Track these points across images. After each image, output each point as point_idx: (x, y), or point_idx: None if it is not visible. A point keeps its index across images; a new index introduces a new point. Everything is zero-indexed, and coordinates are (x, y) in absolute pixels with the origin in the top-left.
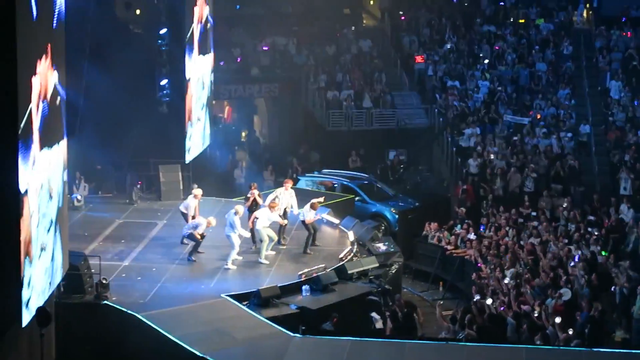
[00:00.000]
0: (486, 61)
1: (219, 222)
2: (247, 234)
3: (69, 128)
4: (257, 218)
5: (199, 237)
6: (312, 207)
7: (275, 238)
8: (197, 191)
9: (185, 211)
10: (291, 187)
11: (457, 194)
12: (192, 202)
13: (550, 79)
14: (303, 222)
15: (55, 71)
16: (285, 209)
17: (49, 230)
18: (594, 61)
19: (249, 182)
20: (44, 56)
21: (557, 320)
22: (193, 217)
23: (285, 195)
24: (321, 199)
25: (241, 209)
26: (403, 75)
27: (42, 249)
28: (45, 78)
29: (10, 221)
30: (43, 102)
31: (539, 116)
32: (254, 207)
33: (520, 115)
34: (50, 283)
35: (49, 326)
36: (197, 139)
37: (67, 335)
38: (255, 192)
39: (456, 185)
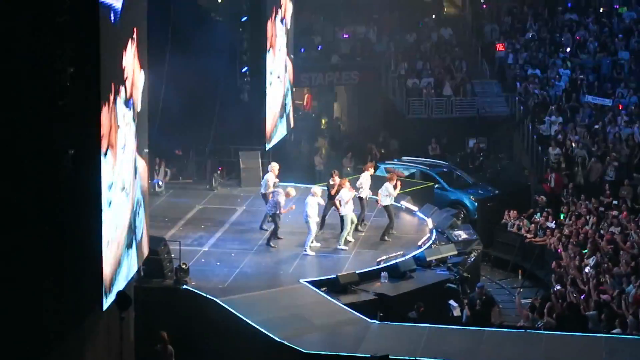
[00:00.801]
0: (568, 50)
1: (296, 209)
2: (317, 218)
3: (150, 114)
4: (343, 200)
5: (280, 215)
6: (390, 179)
7: (355, 222)
8: (274, 165)
9: (264, 191)
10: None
11: (544, 182)
12: (270, 177)
13: (633, 67)
14: (385, 207)
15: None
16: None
17: (132, 216)
18: None
19: (328, 169)
20: (129, 40)
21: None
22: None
23: (368, 179)
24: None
25: (318, 189)
26: (483, 64)
27: (124, 234)
28: (131, 63)
29: (93, 210)
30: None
31: (620, 107)
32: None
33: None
34: (130, 267)
35: (128, 310)
36: (278, 126)
37: (146, 320)
38: (337, 179)
39: (545, 173)
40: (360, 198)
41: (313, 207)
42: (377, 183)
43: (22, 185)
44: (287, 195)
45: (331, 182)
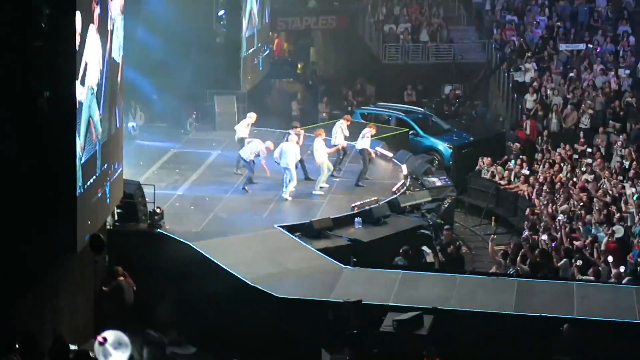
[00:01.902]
0: None
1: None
2: (295, 180)
3: (125, 57)
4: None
5: (253, 165)
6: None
7: (331, 169)
8: (252, 115)
9: (241, 135)
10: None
11: (519, 129)
12: (246, 123)
13: (610, 15)
14: (361, 150)
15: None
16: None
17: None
18: None
19: (304, 114)
20: None
21: (610, 259)
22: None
23: (344, 129)
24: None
25: (294, 137)
26: (461, 9)
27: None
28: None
29: (67, 152)
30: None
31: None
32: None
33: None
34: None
35: (102, 253)
36: (254, 70)
37: (119, 263)
38: (300, 130)
39: (520, 120)
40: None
41: (291, 153)
42: (353, 130)
43: None
44: (268, 149)
45: (295, 134)
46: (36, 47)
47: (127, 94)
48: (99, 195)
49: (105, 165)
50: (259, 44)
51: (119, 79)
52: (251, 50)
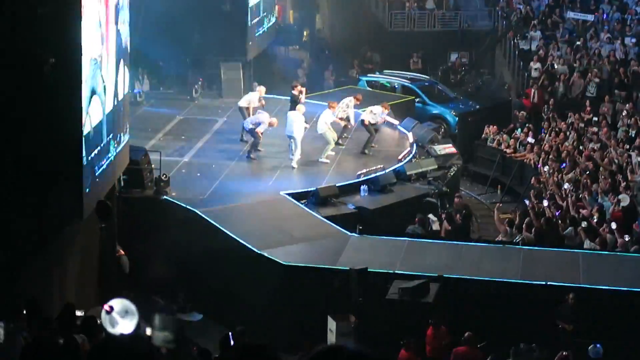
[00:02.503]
0: None
1: (280, 123)
2: (301, 133)
3: (131, 25)
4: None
5: (259, 134)
6: (384, 107)
7: (336, 138)
8: (261, 87)
9: (246, 105)
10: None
11: (525, 97)
12: (254, 96)
13: None
14: (363, 122)
15: None
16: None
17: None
18: None
19: (310, 82)
20: None
21: (614, 225)
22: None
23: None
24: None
25: (303, 108)
26: None
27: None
28: None
29: (73, 119)
30: None
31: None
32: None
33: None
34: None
35: (109, 219)
36: (259, 37)
37: (126, 229)
38: (300, 87)
39: (527, 88)
40: (341, 118)
41: (298, 122)
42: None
43: (2, 94)
44: (271, 124)
45: (295, 92)
46: (42, 13)
47: (133, 60)
48: (104, 166)
49: (111, 135)
50: (264, 13)
51: (123, 46)
52: (256, 20)
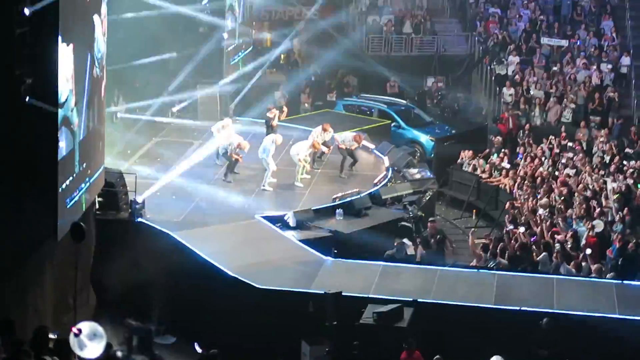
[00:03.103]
0: None
1: (252, 146)
2: (274, 167)
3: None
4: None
5: (233, 157)
6: (356, 140)
7: (308, 161)
8: (228, 120)
9: (216, 132)
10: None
11: (500, 122)
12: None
13: (593, 9)
14: (337, 145)
15: None
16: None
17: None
18: None
19: (287, 104)
20: None
21: (588, 251)
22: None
23: (324, 136)
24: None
25: (280, 139)
26: (444, 1)
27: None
28: None
29: (47, 134)
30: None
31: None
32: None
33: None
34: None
35: (83, 241)
36: (237, 60)
37: (100, 252)
38: (275, 111)
39: (502, 113)
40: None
41: (270, 149)
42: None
43: None
44: (239, 146)
45: (270, 115)
46: (20, 34)
47: (109, 81)
48: (75, 198)
49: (84, 165)
50: (240, 40)
51: (96, 73)
52: (232, 47)
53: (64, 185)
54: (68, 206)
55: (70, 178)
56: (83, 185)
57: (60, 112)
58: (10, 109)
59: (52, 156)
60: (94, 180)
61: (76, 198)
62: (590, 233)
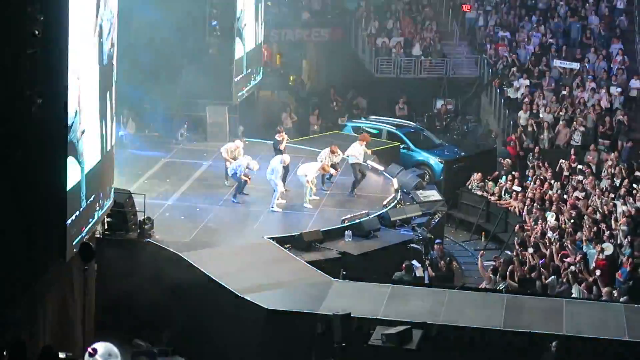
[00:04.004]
0: (538, 13)
1: (261, 166)
2: (283, 189)
3: (117, 66)
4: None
5: (243, 178)
6: (362, 139)
7: (314, 182)
8: (238, 143)
9: (225, 153)
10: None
11: (509, 145)
12: (230, 146)
13: (602, 32)
14: (352, 165)
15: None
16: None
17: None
18: None
19: (296, 126)
20: None
21: (598, 272)
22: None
23: (332, 158)
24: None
25: (287, 159)
26: (454, 25)
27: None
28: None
29: (58, 159)
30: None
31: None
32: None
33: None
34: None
35: (92, 262)
36: (246, 81)
37: (109, 272)
38: (284, 135)
39: (509, 137)
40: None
41: (278, 169)
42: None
43: None
44: (249, 167)
45: (278, 138)
46: (30, 54)
47: (119, 102)
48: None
49: (93, 197)
50: (249, 70)
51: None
52: (244, 60)
53: (73, 217)
54: (74, 242)
55: (76, 214)
56: (91, 219)
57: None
58: (18, 128)
59: (60, 181)
60: (104, 210)
61: (84, 233)
62: (600, 256)
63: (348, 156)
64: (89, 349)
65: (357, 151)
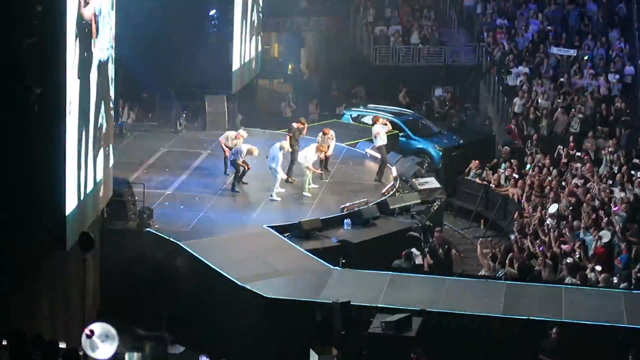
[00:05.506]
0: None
1: (261, 153)
2: (284, 176)
3: (116, 55)
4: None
5: (242, 165)
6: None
7: (312, 170)
8: (242, 132)
9: (224, 141)
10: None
11: (508, 132)
12: (231, 134)
13: (601, 19)
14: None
15: None
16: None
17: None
18: None
19: (295, 115)
20: None
21: (598, 268)
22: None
23: (325, 139)
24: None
25: (286, 144)
26: (452, 13)
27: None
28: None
29: (57, 149)
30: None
31: (585, 58)
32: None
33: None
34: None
35: (91, 251)
36: (245, 70)
37: (109, 261)
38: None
39: (507, 124)
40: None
41: (279, 157)
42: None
43: None
44: (250, 152)
45: (297, 127)
46: (29, 44)
47: (117, 92)
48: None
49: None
50: (251, 44)
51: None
52: (243, 50)
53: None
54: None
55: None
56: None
57: None
58: (18, 118)
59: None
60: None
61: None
62: (598, 244)
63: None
64: (86, 330)
65: (380, 130)
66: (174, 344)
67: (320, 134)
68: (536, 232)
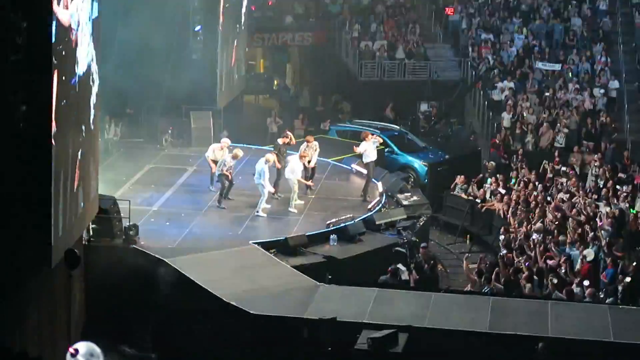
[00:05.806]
0: (520, 14)
1: (246, 172)
2: (272, 189)
3: (101, 72)
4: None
5: (227, 174)
6: (365, 137)
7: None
8: (225, 140)
9: (212, 156)
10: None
11: (494, 147)
12: (216, 147)
13: (585, 34)
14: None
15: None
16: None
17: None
18: (630, 17)
19: (280, 130)
20: None
21: (586, 283)
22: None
23: (308, 148)
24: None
25: (271, 157)
26: (437, 27)
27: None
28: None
29: (42, 166)
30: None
31: (570, 74)
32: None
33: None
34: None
35: (77, 268)
36: (230, 86)
37: (95, 278)
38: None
39: (492, 139)
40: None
41: (265, 171)
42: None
43: None
44: (235, 156)
45: (282, 142)
46: (13, 61)
47: (103, 108)
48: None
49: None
50: (236, 60)
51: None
52: (228, 66)
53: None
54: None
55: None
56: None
57: None
58: (3, 135)
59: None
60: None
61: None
62: (583, 262)
63: (362, 153)
64: (71, 349)
65: (368, 147)
66: None
67: (305, 143)
68: (522, 247)
